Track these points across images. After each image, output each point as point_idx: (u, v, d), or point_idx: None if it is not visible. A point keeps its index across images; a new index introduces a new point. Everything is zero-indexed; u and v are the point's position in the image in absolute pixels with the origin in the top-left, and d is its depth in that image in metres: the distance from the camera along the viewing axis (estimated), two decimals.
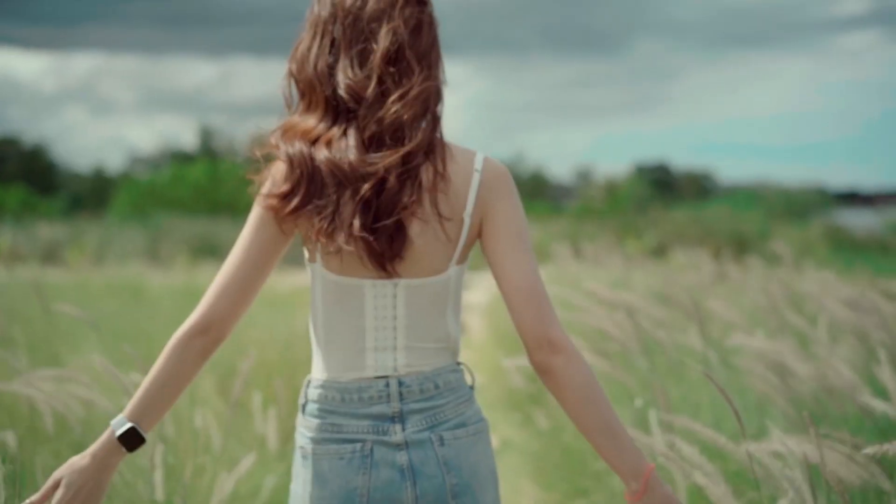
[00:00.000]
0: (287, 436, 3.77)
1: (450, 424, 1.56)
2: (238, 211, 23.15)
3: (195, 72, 70.67)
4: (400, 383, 1.56)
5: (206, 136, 36.47)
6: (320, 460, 1.56)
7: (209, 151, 34.41)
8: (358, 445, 1.55)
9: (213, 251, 16.56)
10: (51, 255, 15.58)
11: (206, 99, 69.07)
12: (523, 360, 5.27)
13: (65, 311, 3.41)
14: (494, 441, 4.88)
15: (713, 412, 3.15)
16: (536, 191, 35.08)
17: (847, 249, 16.68)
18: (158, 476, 2.61)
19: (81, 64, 71.77)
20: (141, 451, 2.92)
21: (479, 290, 11.09)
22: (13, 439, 2.58)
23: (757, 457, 2.00)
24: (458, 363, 1.63)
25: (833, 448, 2.02)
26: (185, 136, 71.71)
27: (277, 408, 3.53)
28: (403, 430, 1.55)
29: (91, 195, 32.01)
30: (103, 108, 65.38)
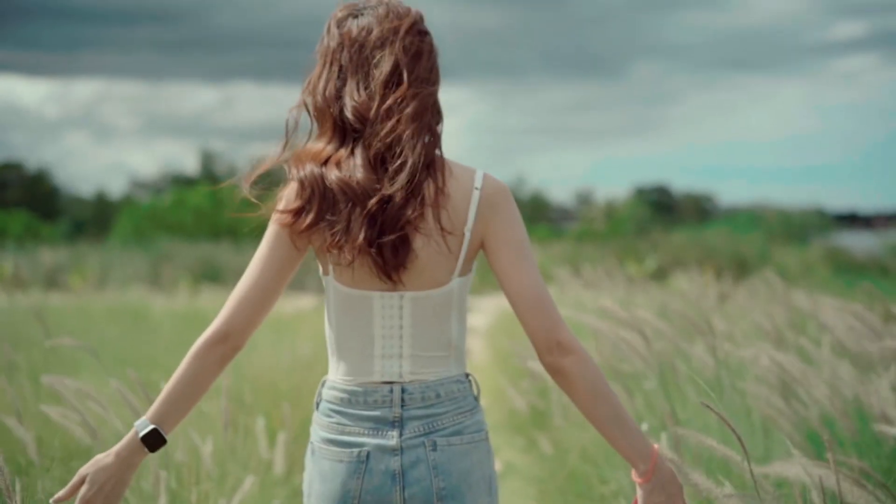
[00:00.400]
0: (294, 461, 3.76)
1: (446, 432, 1.65)
2: (239, 235, 23.16)
3: (196, 97, 70.78)
4: (403, 390, 1.66)
5: (208, 160, 36.59)
6: (324, 460, 1.68)
7: (210, 176, 34.48)
8: (355, 451, 1.65)
9: (215, 276, 16.56)
10: (53, 281, 15.58)
11: (207, 124, 69.15)
12: (527, 385, 5.26)
13: (64, 343, 3.40)
14: (497, 465, 4.86)
15: (721, 434, 3.14)
16: (537, 214, 35.10)
17: (847, 271, 16.68)
18: (163, 502, 2.61)
19: (83, 90, 71.86)
20: (146, 477, 2.92)
21: (481, 314, 11.08)
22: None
23: (769, 479, 2.00)
24: (467, 374, 1.72)
25: (841, 472, 2.02)
26: (187, 160, 71.83)
27: (285, 432, 3.52)
28: (401, 435, 1.65)
29: (93, 220, 32.04)
30: (105, 133, 65.44)
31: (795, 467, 2.05)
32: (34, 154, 64.80)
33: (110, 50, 59.85)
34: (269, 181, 1.72)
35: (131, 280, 14.98)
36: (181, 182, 34.40)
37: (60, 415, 2.77)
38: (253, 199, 1.71)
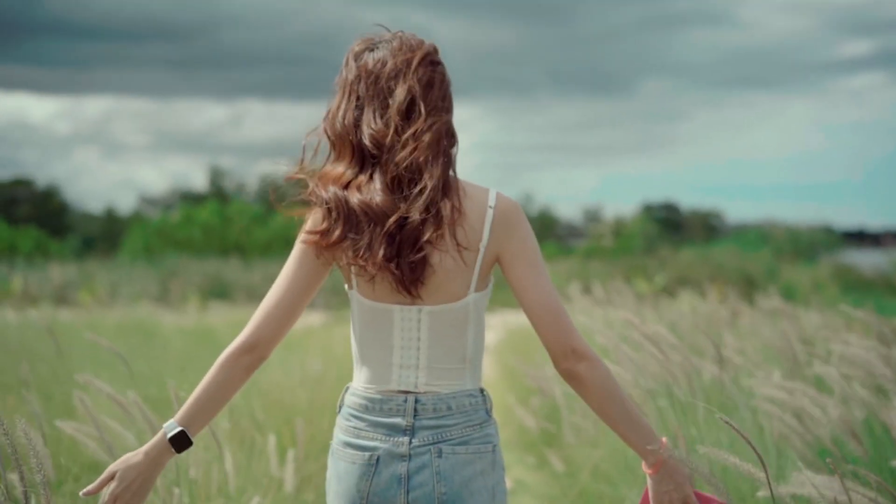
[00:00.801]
0: (304, 478, 3.76)
1: (453, 442, 1.76)
2: (248, 251, 23.20)
3: (205, 114, 70.94)
4: (417, 400, 1.77)
5: (216, 176, 36.72)
6: (340, 461, 1.81)
7: (219, 192, 34.60)
8: (367, 455, 1.77)
9: (223, 293, 16.58)
10: (63, 297, 15.62)
11: (216, 140, 69.25)
12: (536, 403, 5.26)
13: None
14: (508, 483, 4.84)
15: (734, 453, 3.13)
16: (545, 231, 35.10)
17: (855, 289, 16.64)
18: None
19: (93, 107, 72.03)
20: (157, 493, 2.93)
21: (489, 330, 11.09)
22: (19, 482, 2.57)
23: (786, 498, 2.00)
24: (482, 390, 1.82)
25: (856, 490, 2.02)
26: (195, 177, 71.91)
27: (296, 449, 3.52)
28: (410, 442, 1.76)
29: (102, 236, 32.16)
30: (115, 149, 65.58)
31: (808, 486, 2.05)
32: (44, 170, 65.08)
33: (120, 67, 60.16)
34: (290, 196, 1.83)
35: (140, 296, 15.01)
36: (190, 198, 34.54)
37: (74, 429, 2.79)
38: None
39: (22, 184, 35.60)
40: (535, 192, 52.95)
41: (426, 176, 1.72)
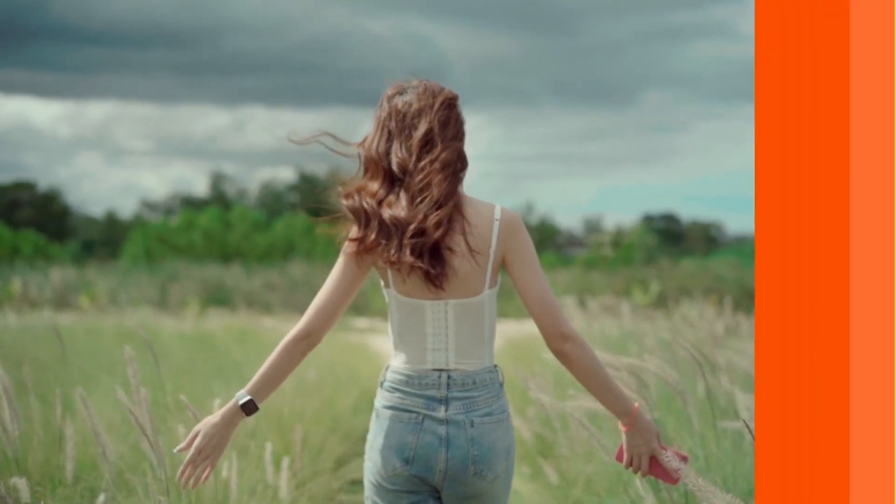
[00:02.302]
0: (300, 485, 3.77)
1: (480, 412, 2.18)
2: (248, 258, 23.24)
3: (207, 120, 71.05)
4: (448, 376, 2.19)
5: (218, 182, 36.82)
6: (386, 420, 2.20)
7: (220, 198, 34.71)
8: (413, 415, 2.18)
9: (223, 300, 16.59)
10: (63, 300, 15.64)
11: (218, 146, 69.28)
12: (532, 414, 5.28)
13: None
14: None
15: (722, 470, 3.17)
16: (545, 240, 35.14)
17: None
18: None
19: (96, 111, 72.17)
20: (153, 499, 2.96)
21: None
22: (25, 487, 2.60)
23: None
24: (495, 365, 2.24)
25: None
26: (197, 182, 72.03)
27: (291, 457, 3.55)
28: (446, 410, 2.17)
29: (103, 240, 32.22)
30: (117, 154, 65.68)
31: None
32: (46, 174, 65.11)
33: (123, 72, 60.29)
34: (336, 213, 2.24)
35: (139, 301, 15.04)
36: (191, 204, 34.63)
37: (76, 432, 2.82)
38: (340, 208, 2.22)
39: (24, 187, 35.68)
40: (535, 202, 53.04)
41: (436, 189, 2.14)
